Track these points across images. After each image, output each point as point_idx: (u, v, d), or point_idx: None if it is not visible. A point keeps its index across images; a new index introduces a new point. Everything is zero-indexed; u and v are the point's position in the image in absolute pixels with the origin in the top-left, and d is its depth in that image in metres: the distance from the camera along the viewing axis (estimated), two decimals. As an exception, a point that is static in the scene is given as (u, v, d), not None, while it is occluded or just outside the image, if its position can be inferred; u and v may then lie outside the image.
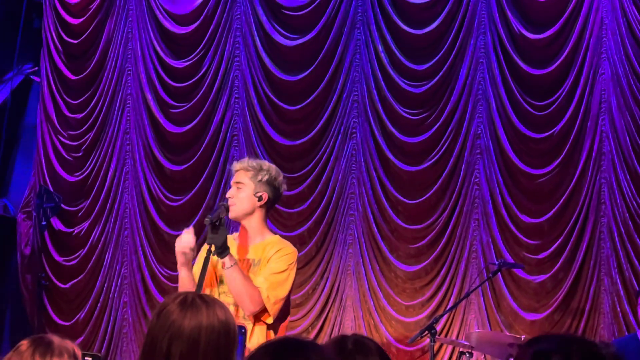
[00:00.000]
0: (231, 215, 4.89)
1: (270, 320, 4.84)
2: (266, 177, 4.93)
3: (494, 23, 8.27)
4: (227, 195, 4.92)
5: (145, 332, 7.87)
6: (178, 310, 2.70)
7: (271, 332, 4.90)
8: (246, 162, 4.98)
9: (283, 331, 5.00)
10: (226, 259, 4.73)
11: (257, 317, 4.85)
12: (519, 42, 8.20)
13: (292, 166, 8.70)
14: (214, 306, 2.74)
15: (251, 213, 4.93)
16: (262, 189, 4.92)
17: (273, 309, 4.82)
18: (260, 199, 4.91)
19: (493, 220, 8.17)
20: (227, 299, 4.85)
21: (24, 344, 3.02)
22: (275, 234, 5.15)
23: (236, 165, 5.01)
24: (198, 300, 2.73)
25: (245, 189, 4.91)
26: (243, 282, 4.75)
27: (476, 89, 8.31)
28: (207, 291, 4.83)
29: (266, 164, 5.01)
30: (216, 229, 4.70)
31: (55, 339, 3.08)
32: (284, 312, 4.93)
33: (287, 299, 4.94)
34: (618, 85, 7.93)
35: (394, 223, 8.42)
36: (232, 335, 2.77)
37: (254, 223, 4.96)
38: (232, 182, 5.00)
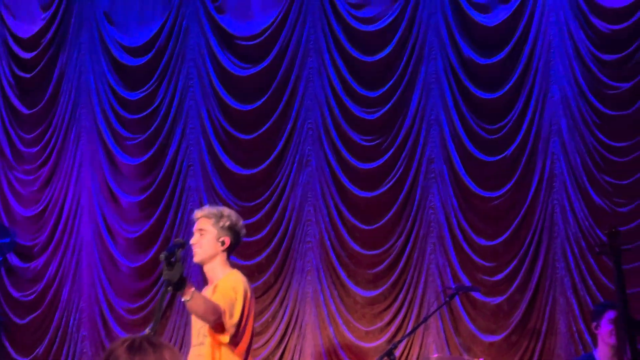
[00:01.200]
0: (196, 259, 5.22)
1: (226, 339, 5.00)
2: (227, 223, 5.26)
3: (444, 48, 8.35)
4: (191, 242, 5.26)
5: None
6: (126, 355, 2.71)
7: (229, 352, 5.05)
8: (207, 209, 5.34)
9: (247, 356, 5.17)
10: (185, 294, 4.82)
11: (215, 337, 5.03)
12: (470, 67, 8.29)
13: (248, 195, 8.72)
14: (161, 349, 2.75)
15: (214, 257, 5.21)
16: (224, 234, 5.24)
17: (229, 325, 4.97)
18: (222, 243, 5.26)
19: (449, 244, 8.22)
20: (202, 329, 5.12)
21: None
22: (233, 268, 5.38)
23: (198, 213, 5.35)
24: (146, 343, 2.74)
25: (207, 235, 5.25)
26: (204, 302, 4.94)
27: (429, 113, 8.38)
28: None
29: (226, 210, 5.36)
30: (171, 265, 4.74)
31: None
32: (241, 336, 5.07)
33: (244, 327, 5.08)
34: (567, 108, 8.03)
35: (351, 249, 8.46)
36: (180, 378, 2.79)
37: (217, 265, 5.26)
38: (194, 230, 5.24)
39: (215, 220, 5.21)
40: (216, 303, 5.00)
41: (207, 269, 5.26)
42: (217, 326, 5.02)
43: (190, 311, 4.99)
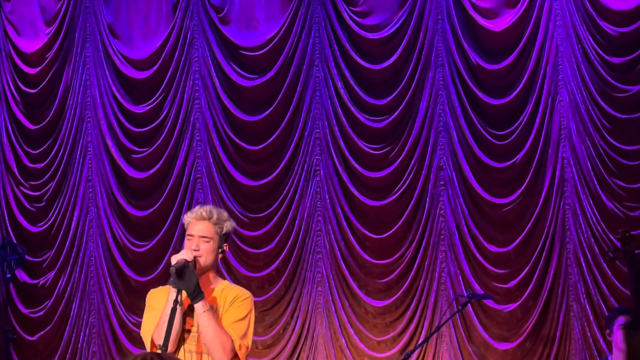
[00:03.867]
0: (197, 267, 4.78)
1: None
2: (226, 229, 4.91)
3: (451, 55, 8.32)
4: (194, 248, 4.82)
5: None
6: (138, 372, 2.66)
7: None
8: (207, 213, 4.91)
9: None
10: (200, 304, 4.68)
11: None
12: (477, 73, 8.25)
13: (257, 206, 8.68)
14: (174, 366, 2.70)
15: (213, 266, 4.93)
16: (224, 241, 4.91)
17: (244, 356, 4.81)
18: (223, 252, 4.92)
19: (460, 252, 8.18)
20: (189, 347, 4.81)
21: None
22: (224, 279, 5.16)
23: (197, 217, 4.92)
24: (157, 360, 2.70)
25: (212, 243, 4.86)
26: (216, 329, 4.71)
27: (437, 121, 8.35)
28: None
29: (224, 214, 4.97)
30: (182, 275, 4.65)
31: None
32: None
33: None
34: (577, 112, 7.99)
35: (361, 259, 8.41)
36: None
37: (212, 273, 4.93)
38: (195, 235, 4.85)
39: (219, 227, 4.85)
40: (226, 333, 4.73)
41: (201, 278, 4.80)
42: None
43: (201, 326, 4.75)
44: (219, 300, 4.88)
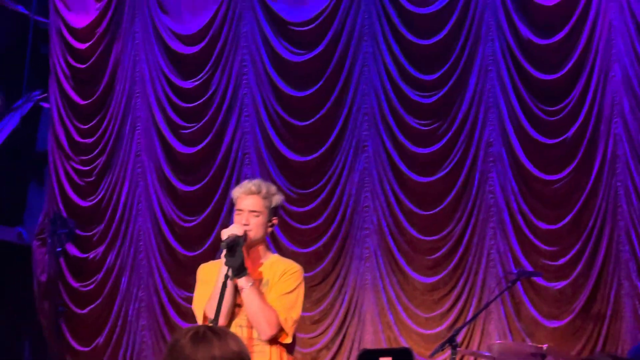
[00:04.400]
0: (247, 241, 4.81)
1: (288, 340, 4.83)
2: (275, 203, 4.92)
3: (501, 30, 8.22)
4: (244, 222, 4.83)
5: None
6: (190, 345, 2.66)
7: (286, 353, 4.87)
8: (256, 187, 4.91)
9: (293, 349, 4.98)
10: (243, 279, 4.72)
11: (274, 339, 4.82)
12: (528, 48, 8.15)
13: (305, 182, 8.67)
14: (226, 338, 2.70)
15: (263, 240, 4.94)
16: (273, 214, 4.92)
17: (291, 331, 4.81)
18: (272, 225, 4.93)
19: (510, 228, 8.11)
20: (240, 321, 4.83)
21: None
22: (273, 252, 5.16)
23: (246, 191, 4.92)
24: (209, 333, 2.69)
25: (261, 217, 4.87)
26: (260, 304, 4.73)
27: (487, 96, 8.26)
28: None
29: (272, 188, 4.98)
30: (232, 251, 4.67)
31: None
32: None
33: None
34: (629, 87, 7.86)
35: (409, 235, 8.37)
36: (247, 365, 2.73)
37: (261, 246, 4.94)
38: (244, 209, 4.88)
39: (268, 202, 4.88)
40: (271, 307, 4.76)
41: (251, 252, 4.89)
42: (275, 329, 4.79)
43: (245, 301, 4.77)
44: (268, 274, 4.90)
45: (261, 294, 4.77)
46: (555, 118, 8.06)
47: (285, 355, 4.86)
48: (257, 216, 4.86)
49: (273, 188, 5.00)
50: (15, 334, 9.46)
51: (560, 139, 8.04)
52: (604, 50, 7.94)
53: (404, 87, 8.45)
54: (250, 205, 4.89)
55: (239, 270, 4.68)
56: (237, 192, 4.96)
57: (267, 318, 4.74)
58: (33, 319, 9.20)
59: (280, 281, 4.89)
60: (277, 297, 4.82)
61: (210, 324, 4.53)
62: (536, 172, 8.07)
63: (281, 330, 4.80)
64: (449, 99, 8.35)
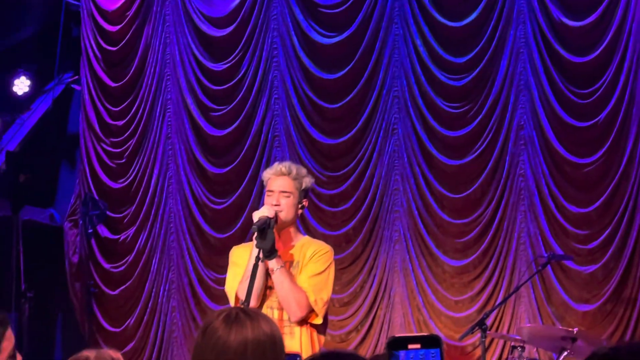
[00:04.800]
0: (278, 223, 4.84)
1: (319, 321, 4.84)
2: (305, 185, 4.93)
3: (533, 12, 8.16)
4: (275, 203, 4.85)
5: (194, 336, 7.84)
6: (223, 327, 2.67)
7: (316, 334, 4.89)
8: (287, 169, 4.93)
9: (324, 330, 4.99)
10: (274, 261, 4.75)
11: (304, 320, 4.84)
12: (560, 30, 8.09)
13: (335, 165, 8.67)
14: (258, 320, 2.71)
15: (293, 222, 4.95)
16: (303, 196, 4.94)
17: (321, 312, 4.82)
18: (302, 207, 4.94)
19: (540, 212, 8.08)
20: (271, 303, 4.85)
21: None
22: (303, 235, 5.17)
23: (276, 172, 4.94)
24: (242, 315, 2.70)
25: (292, 198, 4.88)
26: (290, 285, 4.75)
27: (518, 79, 8.22)
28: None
29: (303, 170, 5.00)
30: (263, 234, 4.69)
31: (91, 356, 3.04)
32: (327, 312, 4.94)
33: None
34: (663, 70, 7.79)
35: (439, 218, 8.36)
36: (279, 347, 2.74)
37: (291, 228, 4.96)
38: (275, 190, 4.90)
39: (299, 182, 4.90)
40: (301, 289, 4.78)
41: (282, 234, 4.91)
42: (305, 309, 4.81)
43: (275, 283, 4.79)
44: (298, 256, 4.92)
45: (291, 276, 4.79)
46: (587, 101, 8.00)
47: (315, 336, 4.88)
48: (288, 197, 4.88)
49: (303, 170, 5.02)
50: (47, 315, 9.55)
51: (592, 122, 7.98)
52: (637, 32, 7.87)
53: (434, 69, 8.42)
54: (281, 186, 4.91)
55: (269, 252, 4.71)
56: (267, 174, 4.99)
57: (297, 300, 4.76)
58: (66, 297, 9.29)
59: (310, 262, 4.91)
60: (307, 278, 4.84)
61: (242, 306, 4.55)
62: (567, 155, 8.03)
63: (311, 311, 4.82)
64: (479, 81, 8.31)
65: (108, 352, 3.10)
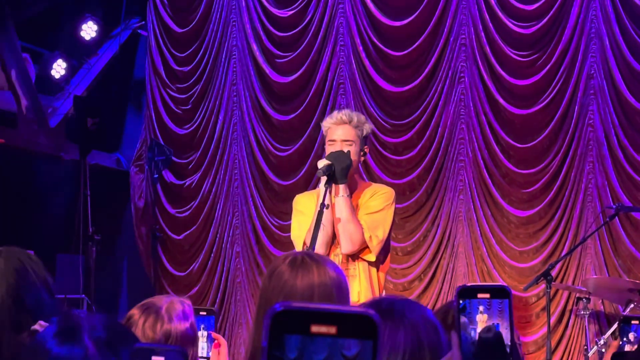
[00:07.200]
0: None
1: (371, 258, 4.87)
2: (366, 132, 4.95)
3: (606, -42, 7.96)
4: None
5: (257, 282, 7.88)
6: (289, 271, 2.68)
7: (373, 270, 4.91)
8: (347, 117, 4.93)
9: (384, 272, 5.00)
10: (341, 187, 4.79)
11: (357, 256, 4.86)
12: (633, -23, 7.89)
13: (400, 113, 8.61)
14: (324, 264, 2.72)
15: (356, 170, 4.99)
16: (364, 143, 4.97)
17: (375, 249, 4.84)
18: (364, 153, 4.98)
19: (609, 163, 7.95)
20: (337, 250, 4.88)
21: (135, 314, 3.02)
22: (366, 182, 5.27)
23: (337, 121, 4.94)
24: (308, 259, 2.71)
25: (354, 145, 4.90)
26: (349, 216, 4.79)
27: (588, 27, 8.04)
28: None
29: (362, 117, 5.03)
30: (331, 176, 4.74)
31: (164, 304, 3.05)
32: (384, 252, 4.93)
33: (388, 240, 4.95)
34: None
35: (505, 168, 8.27)
36: (345, 291, 2.75)
37: (356, 174, 5.00)
38: (337, 139, 4.91)
39: (360, 130, 4.89)
40: (358, 223, 4.80)
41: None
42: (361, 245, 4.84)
43: (336, 209, 4.81)
44: (362, 199, 4.94)
45: (352, 209, 4.82)
46: (660, 50, 7.82)
47: (375, 275, 4.90)
48: (350, 145, 4.89)
49: (362, 117, 5.03)
50: (114, 258, 9.70)
51: (665, 71, 7.81)
52: None
53: (502, 16, 8.28)
54: (342, 134, 4.91)
55: (341, 174, 4.71)
56: (327, 123, 4.98)
57: (351, 232, 4.79)
58: (132, 241, 9.42)
59: (369, 200, 4.95)
60: (364, 215, 4.87)
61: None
62: (638, 106, 7.87)
63: (365, 248, 4.85)
64: (549, 29, 8.16)
65: (179, 300, 3.11)
